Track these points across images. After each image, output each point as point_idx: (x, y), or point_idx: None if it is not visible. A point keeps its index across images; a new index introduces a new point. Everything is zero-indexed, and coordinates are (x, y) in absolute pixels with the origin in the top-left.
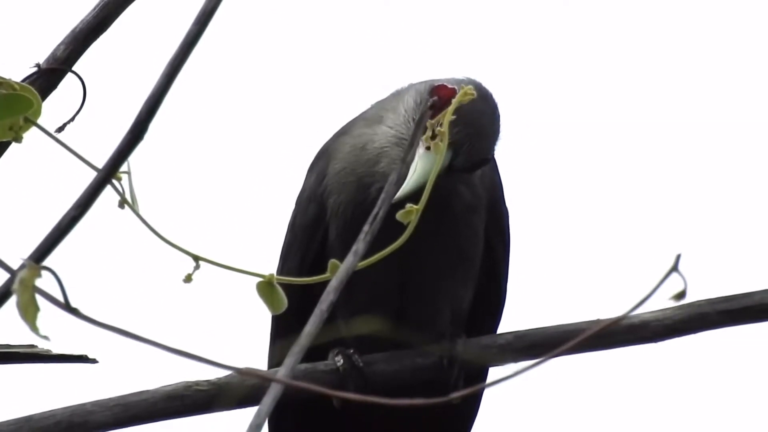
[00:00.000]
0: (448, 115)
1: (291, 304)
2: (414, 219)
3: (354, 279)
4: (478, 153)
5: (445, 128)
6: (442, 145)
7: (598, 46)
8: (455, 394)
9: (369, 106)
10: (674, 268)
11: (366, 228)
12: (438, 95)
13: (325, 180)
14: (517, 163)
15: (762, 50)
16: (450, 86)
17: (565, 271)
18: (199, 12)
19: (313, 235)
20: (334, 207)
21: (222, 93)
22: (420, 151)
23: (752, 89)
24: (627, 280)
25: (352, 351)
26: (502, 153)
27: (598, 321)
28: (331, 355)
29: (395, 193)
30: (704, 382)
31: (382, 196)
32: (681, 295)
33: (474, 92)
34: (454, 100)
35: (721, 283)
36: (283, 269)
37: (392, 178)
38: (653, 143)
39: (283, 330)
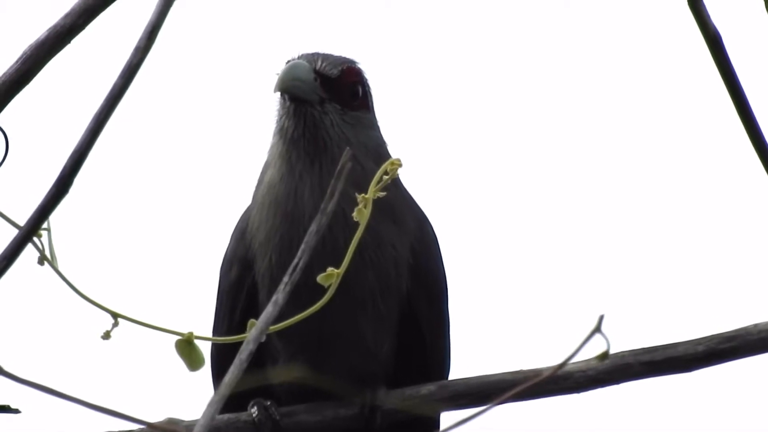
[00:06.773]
0: (373, 185)
1: (229, 356)
2: (335, 282)
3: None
4: (331, 59)
5: (369, 196)
6: (366, 211)
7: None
8: None
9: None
10: (597, 328)
11: (286, 279)
12: None
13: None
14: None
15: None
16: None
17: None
18: (125, 66)
19: (237, 296)
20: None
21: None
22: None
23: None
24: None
25: (269, 402)
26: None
27: (521, 372)
28: (249, 406)
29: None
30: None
31: (302, 246)
32: (604, 356)
33: (401, 163)
34: (379, 170)
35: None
36: (214, 334)
37: (312, 228)
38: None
39: (220, 377)
